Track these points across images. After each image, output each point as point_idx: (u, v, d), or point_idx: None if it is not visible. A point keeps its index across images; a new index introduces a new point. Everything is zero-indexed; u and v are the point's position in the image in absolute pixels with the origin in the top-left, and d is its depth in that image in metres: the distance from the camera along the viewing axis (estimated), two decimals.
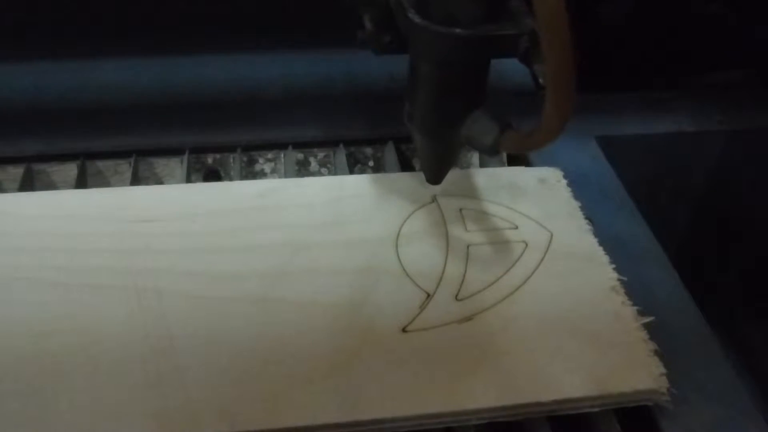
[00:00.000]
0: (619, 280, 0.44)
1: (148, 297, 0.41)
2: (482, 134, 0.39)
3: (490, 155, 0.40)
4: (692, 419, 0.39)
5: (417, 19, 0.37)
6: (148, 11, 0.60)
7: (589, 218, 0.48)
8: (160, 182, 0.55)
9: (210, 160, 0.56)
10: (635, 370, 0.39)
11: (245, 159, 0.55)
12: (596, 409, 0.38)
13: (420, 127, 0.43)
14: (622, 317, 0.42)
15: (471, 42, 0.37)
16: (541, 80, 0.36)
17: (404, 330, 0.40)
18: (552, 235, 0.46)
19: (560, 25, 0.29)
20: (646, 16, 0.71)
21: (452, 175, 0.50)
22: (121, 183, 0.54)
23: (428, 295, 0.42)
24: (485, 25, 0.37)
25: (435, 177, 0.46)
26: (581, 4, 0.32)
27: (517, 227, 0.47)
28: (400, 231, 0.46)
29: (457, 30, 0.36)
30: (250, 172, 0.55)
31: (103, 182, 0.54)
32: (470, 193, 0.49)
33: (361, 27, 0.44)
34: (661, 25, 0.71)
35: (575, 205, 0.49)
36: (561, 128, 0.33)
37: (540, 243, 0.46)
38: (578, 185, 0.51)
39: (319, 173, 0.56)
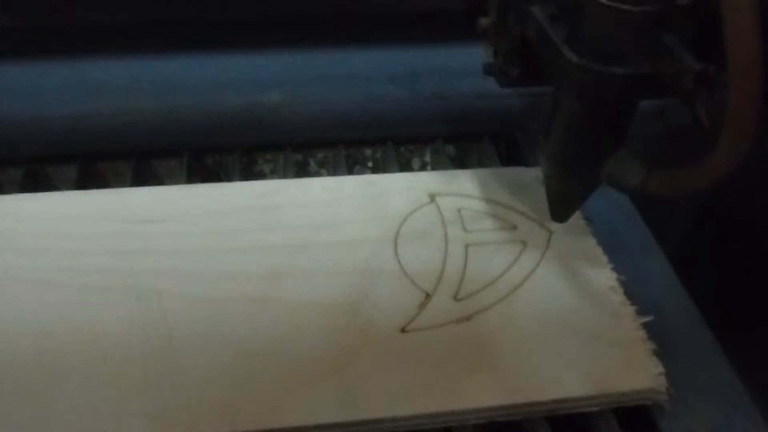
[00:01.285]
0: (617, 279, 0.44)
1: (148, 298, 0.41)
2: (627, 174, 0.37)
3: (634, 195, 0.40)
4: (691, 419, 0.39)
5: (574, 58, 0.35)
6: (148, 11, 0.60)
7: (588, 218, 0.48)
8: (160, 183, 0.55)
9: (210, 162, 0.56)
10: (634, 370, 0.39)
11: (245, 160, 0.55)
12: (595, 409, 0.38)
13: (559, 164, 0.41)
14: (621, 317, 0.42)
15: (630, 81, 0.35)
16: (705, 122, 0.34)
17: (403, 330, 0.40)
18: (551, 235, 0.47)
19: (757, 74, 0.29)
20: None
21: (451, 175, 0.51)
22: (121, 184, 0.54)
23: (427, 295, 0.42)
24: (643, 62, 0.35)
25: (563, 215, 0.44)
26: None
27: (515, 227, 0.47)
28: (399, 231, 0.46)
29: (618, 69, 0.35)
30: (249, 174, 0.56)
31: (104, 183, 0.54)
32: (469, 192, 0.49)
33: (486, 60, 0.44)
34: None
35: None
36: (730, 170, 0.31)
37: (539, 243, 0.46)
38: None
39: (318, 174, 0.56)
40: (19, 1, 0.56)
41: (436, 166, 0.57)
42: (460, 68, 0.60)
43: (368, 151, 0.57)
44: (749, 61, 0.29)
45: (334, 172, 0.56)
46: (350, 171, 0.56)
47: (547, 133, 0.41)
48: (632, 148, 0.38)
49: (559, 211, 0.44)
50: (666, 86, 0.35)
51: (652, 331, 0.41)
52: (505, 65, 0.43)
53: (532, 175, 0.51)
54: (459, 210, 0.48)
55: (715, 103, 0.33)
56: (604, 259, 0.45)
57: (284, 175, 0.55)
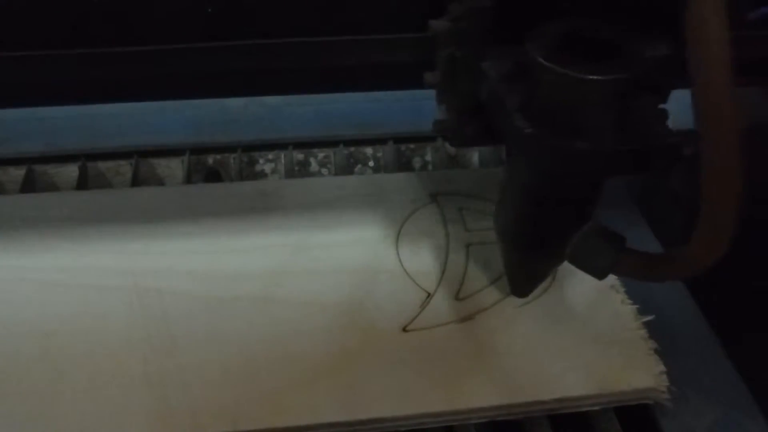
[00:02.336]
0: (618, 278, 0.44)
1: (149, 297, 0.41)
2: (593, 256, 0.33)
3: (600, 278, 0.33)
4: (692, 418, 0.39)
5: (527, 129, 0.30)
6: (149, 10, 0.60)
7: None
8: (161, 183, 0.55)
9: (210, 161, 0.56)
10: (635, 369, 0.39)
11: (245, 159, 0.55)
12: (596, 408, 0.38)
13: (513, 242, 0.36)
14: (622, 316, 0.42)
15: (596, 157, 0.30)
16: (684, 203, 0.31)
17: (405, 329, 0.40)
18: None
19: (735, 169, 0.26)
20: None
21: (452, 175, 0.51)
22: (122, 184, 0.54)
23: (429, 295, 0.42)
24: (612, 135, 0.29)
25: (522, 291, 0.40)
26: None
27: None
28: (400, 231, 0.46)
29: (580, 144, 0.29)
30: (250, 173, 0.55)
31: (105, 183, 0.54)
32: (470, 192, 0.49)
33: (436, 118, 0.39)
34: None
35: None
36: (710, 263, 0.28)
37: None
38: None
39: (319, 173, 0.56)
40: None
41: (437, 166, 0.56)
42: None
43: (369, 151, 0.57)
44: (726, 154, 0.25)
45: (335, 171, 0.56)
46: (351, 170, 0.56)
47: (500, 207, 0.37)
48: (601, 226, 0.33)
49: (518, 288, 0.40)
50: (637, 162, 0.30)
51: (653, 330, 0.41)
52: (457, 124, 0.37)
53: None
54: (460, 209, 0.48)
55: (693, 180, 0.28)
56: None
57: (285, 175, 0.55)
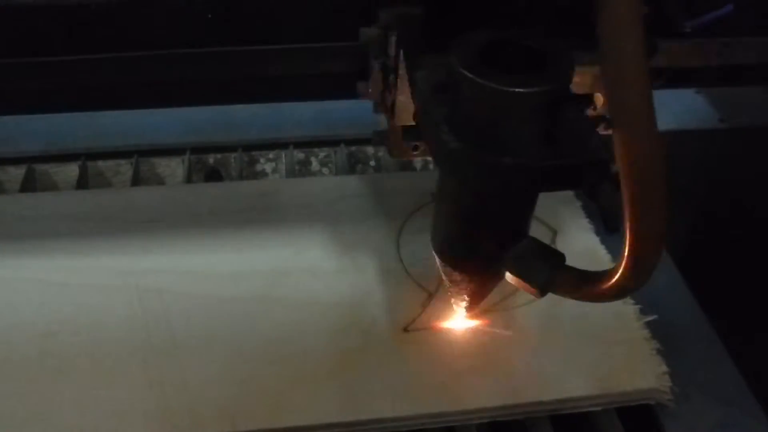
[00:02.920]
0: None
1: (149, 297, 0.41)
2: (529, 273, 0.31)
3: (539, 296, 0.31)
4: (694, 417, 0.39)
5: (452, 143, 0.28)
6: (149, 9, 0.60)
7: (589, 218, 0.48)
8: (161, 182, 0.55)
9: (211, 160, 0.56)
10: (637, 369, 0.39)
11: (246, 159, 0.55)
12: (598, 408, 0.38)
13: (447, 258, 0.35)
14: (624, 316, 0.42)
15: (523, 172, 0.28)
16: (608, 223, 0.30)
17: (406, 329, 0.40)
18: (554, 235, 0.46)
19: (659, 183, 0.25)
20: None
21: None
22: (122, 183, 0.54)
23: (430, 295, 0.42)
24: (540, 150, 0.28)
25: (470, 309, 0.38)
26: None
27: None
28: (401, 230, 0.46)
29: (506, 159, 0.28)
30: (251, 172, 0.55)
31: (105, 183, 0.54)
32: None
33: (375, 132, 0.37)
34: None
35: (577, 204, 0.49)
36: (634, 289, 0.28)
37: None
38: None
39: (320, 173, 0.56)
40: None
41: None
42: None
43: (370, 150, 0.57)
44: (646, 171, 0.24)
45: (336, 170, 0.56)
46: (352, 170, 0.56)
47: (433, 225, 0.35)
48: (536, 242, 0.32)
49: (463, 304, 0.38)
50: (565, 179, 0.29)
51: (655, 330, 0.41)
52: (398, 138, 0.35)
53: None
54: None
55: (619, 202, 0.27)
56: (608, 258, 0.45)
57: (286, 174, 0.55)
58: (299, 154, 0.56)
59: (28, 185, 0.52)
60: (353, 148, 0.57)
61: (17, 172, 0.53)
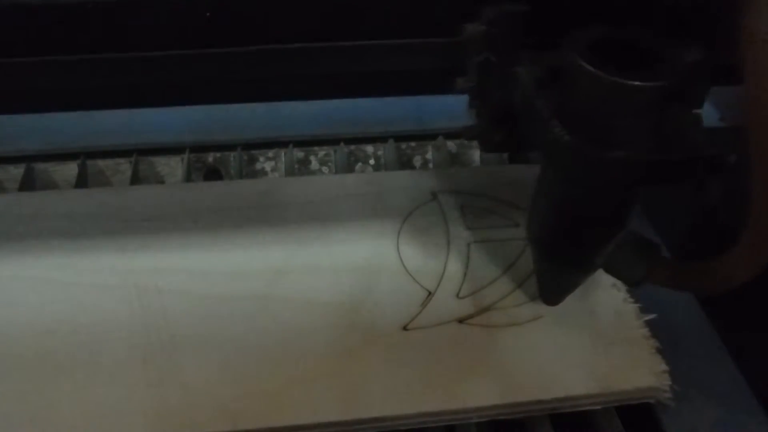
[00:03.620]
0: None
1: (148, 296, 0.41)
2: (627, 265, 0.32)
3: (635, 288, 0.33)
4: (694, 416, 0.39)
5: (564, 137, 0.29)
6: (150, 8, 0.60)
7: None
8: (160, 181, 0.55)
9: (210, 159, 0.56)
10: (637, 368, 0.39)
11: (245, 157, 0.55)
12: (598, 407, 0.38)
13: (544, 250, 0.36)
14: (624, 315, 0.42)
15: (632, 167, 0.29)
16: (721, 216, 0.30)
17: (405, 328, 0.40)
18: None
19: None
20: None
21: (453, 173, 0.51)
22: (121, 182, 0.54)
23: (429, 293, 0.42)
24: (648, 145, 0.29)
25: (554, 300, 0.40)
26: None
27: (518, 225, 0.47)
28: (401, 229, 0.46)
29: (619, 153, 0.28)
30: (250, 171, 0.55)
31: (104, 181, 0.54)
32: (471, 190, 0.49)
33: (467, 123, 0.38)
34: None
35: None
36: (748, 279, 0.27)
37: None
38: None
39: (319, 171, 0.56)
40: None
41: (438, 164, 0.56)
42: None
43: (370, 149, 0.57)
44: None
45: (335, 169, 0.56)
46: (352, 168, 0.56)
47: (531, 215, 0.36)
48: (635, 235, 0.33)
49: (549, 296, 0.40)
50: (674, 173, 0.30)
51: (655, 328, 0.41)
52: (487, 130, 0.37)
53: (535, 173, 0.51)
54: (461, 207, 0.48)
55: (732, 194, 0.29)
56: None
57: (285, 173, 0.55)
58: (299, 153, 0.56)
59: (28, 184, 0.52)
60: (353, 147, 0.57)
61: (16, 171, 0.53)
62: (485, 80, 0.35)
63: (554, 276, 0.37)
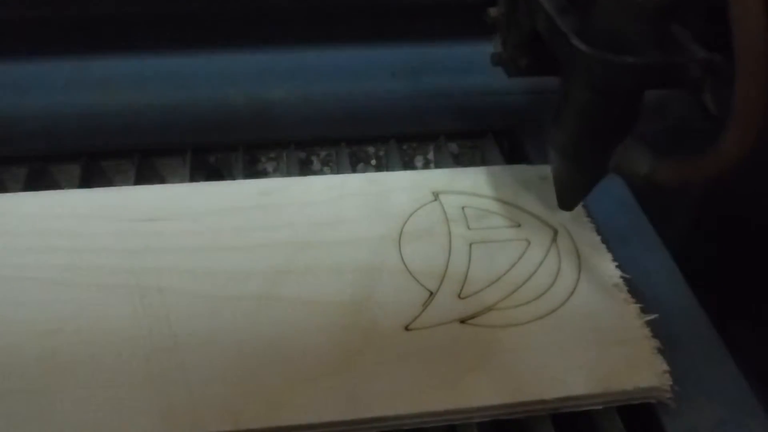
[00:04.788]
0: (622, 277, 0.44)
1: (151, 296, 0.41)
2: (635, 164, 0.37)
3: (642, 184, 0.37)
4: (695, 417, 0.39)
5: (583, 47, 0.35)
6: (152, 9, 0.60)
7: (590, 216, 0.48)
8: (163, 182, 0.55)
9: (212, 160, 0.56)
10: (638, 368, 0.39)
11: (247, 158, 0.55)
12: (599, 407, 0.38)
13: (567, 155, 0.41)
14: (625, 315, 0.42)
15: (641, 70, 0.35)
16: (712, 110, 0.34)
17: (407, 328, 0.40)
18: (555, 233, 0.47)
19: (765, 60, 0.28)
20: None
21: (454, 174, 0.51)
22: (124, 182, 0.54)
23: (431, 294, 0.42)
24: (652, 53, 0.35)
25: (570, 204, 0.45)
26: None
27: (519, 225, 0.47)
28: (402, 229, 0.46)
29: (629, 58, 0.35)
30: (252, 172, 0.55)
31: (107, 182, 0.54)
32: (472, 191, 0.49)
33: (495, 49, 0.45)
34: None
35: (579, 204, 0.49)
36: (740, 158, 0.31)
37: (542, 241, 0.46)
38: None
39: (321, 172, 0.56)
40: None
41: (439, 164, 0.56)
42: (464, 65, 0.60)
43: (371, 149, 0.57)
44: (757, 48, 0.28)
45: (337, 169, 0.56)
46: (353, 169, 0.56)
47: (555, 124, 0.41)
48: (639, 138, 0.38)
49: (567, 200, 0.44)
50: (674, 76, 0.35)
51: (656, 328, 0.41)
52: (513, 56, 0.43)
53: (536, 173, 0.51)
54: (463, 208, 0.48)
55: (722, 91, 0.33)
56: (609, 256, 0.45)
57: (287, 173, 0.55)
58: (300, 153, 0.56)
59: (31, 184, 0.52)
60: (354, 147, 0.57)
61: (20, 171, 0.53)
62: (513, 10, 0.43)
63: (571, 179, 0.43)
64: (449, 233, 0.46)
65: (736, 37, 0.29)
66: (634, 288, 0.43)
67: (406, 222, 0.46)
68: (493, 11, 0.44)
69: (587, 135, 0.40)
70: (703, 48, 0.35)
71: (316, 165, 0.57)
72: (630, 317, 0.42)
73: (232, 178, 0.55)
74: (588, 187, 0.43)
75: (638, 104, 0.39)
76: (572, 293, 0.43)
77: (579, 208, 0.48)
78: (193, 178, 0.54)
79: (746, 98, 0.30)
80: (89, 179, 0.53)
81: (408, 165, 0.57)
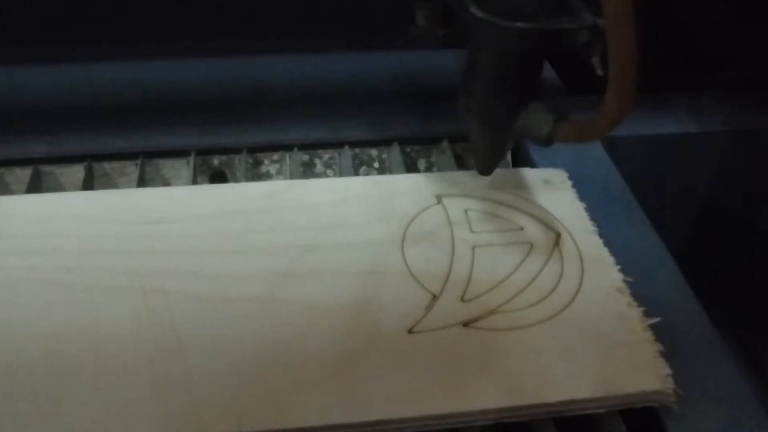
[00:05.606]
0: (624, 281, 0.44)
1: (155, 298, 0.41)
2: (538, 125, 0.40)
3: (545, 146, 0.41)
4: (698, 420, 0.39)
5: (479, 14, 0.38)
6: (154, 12, 0.60)
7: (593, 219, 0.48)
8: (166, 184, 0.55)
9: (216, 162, 0.56)
10: (641, 371, 0.39)
11: (251, 161, 0.56)
12: (602, 410, 0.38)
13: (478, 118, 0.44)
14: (628, 318, 0.42)
15: (532, 35, 0.38)
16: (599, 72, 0.37)
17: (410, 331, 0.40)
18: (558, 237, 0.47)
19: (628, 16, 0.31)
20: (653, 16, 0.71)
21: (457, 177, 0.51)
22: (127, 184, 0.54)
23: (434, 297, 0.42)
24: (545, 18, 0.38)
25: (487, 168, 0.47)
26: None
27: (522, 228, 0.47)
28: (405, 232, 0.46)
29: (519, 24, 0.37)
30: (255, 174, 0.56)
31: (110, 184, 0.54)
32: (475, 194, 0.49)
33: (413, 23, 0.46)
34: (666, 25, 0.71)
35: (580, 206, 0.49)
36: (622, 117, 0.34)
37: (545, 244, 0.46)
38: (583, 186, 0.51)
39: (324, 175, 0.56)
40: None
41: (442, 167, 0.56)
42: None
43: (374, 152, 0.57)
44: (622, 12, 0.31)
45: (340, 172, 0.56)
46: (356, 172, 0.56)
47: (464, 89, 0.43)
48: (542, 101, 0.41)
49: (483, 164, 0.47)
50: (564, 41, 0.38)
51: (659, 332, 0.41)
52: (430, 28, 0.45)
53: (539, 176, 0.51)
54: (465, 211, 0.48)
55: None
56: (611, 260, 0.45)
57: (290, 176, 0.55)
58: (304, 156, 0.56)
59: (34, 186, 0.52)
60: (357, 150, 0.57)
61: (23, 173, 0.53)
62: None
63: (483, 142, 0.45)
64: (452, 236, 0.46)
65: (605, 9, 0.31)
66: (637, 291, 0.43)
67: (409, 225, 0.47)
68: None
69: (491, 98, 0.42)
70: (591, 14, 0.37)
71: (320, 168, 0.57)
72: (633, 321, 0.42)
73: (236, 180, 0.55)
74: (500, 151, 0.46)
75: (539, 69, 0.42)
76: (575, 297, 0.43)
77: (581, 212, 0.48)
78: (197, 180, 0.54)
79: (619, 63, 0.32)
80: (92, 181, 0.53)
81: (411, 168, 0.57)
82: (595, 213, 0.49)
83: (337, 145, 0.57)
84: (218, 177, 0.56)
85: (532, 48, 0.39)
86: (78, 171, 0.54)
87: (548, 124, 0.40)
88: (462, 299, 0.42)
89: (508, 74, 0.41)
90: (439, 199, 0.49)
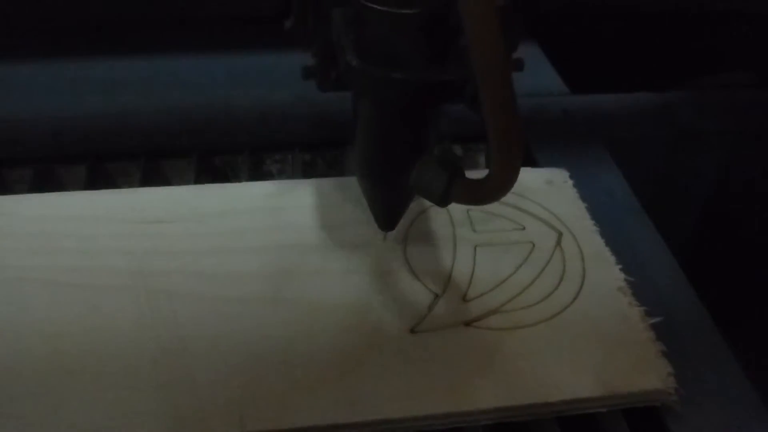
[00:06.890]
0: (626, 280, 0.44)
1: (158, 298, 0.41)
2: (431, 182, 0.35)
3: (441, 206, 0.36)
4: (700, 420, 0.39)
5: (353, 61, 0.34)
6: (156, 11, 0.60)
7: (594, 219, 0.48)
8: (168, 184, 0.55)
9: (218, 162, 0.56)
10: (643, 371, 0.39)
11: (253, 160, 0.56)
12: (604, 410, 0.38)
13: (365, 174, 0.39)
14: (630, 318, 0.42)
15: (411, 86, 0.34)
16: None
17: (412, 331, 0.40)
18: (559, 236, 0.47)
19: (503, 82, 0.28)
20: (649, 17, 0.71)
21: None
22: (130, 184, 0.54)
23: (436, 296, 0.42)
24: (428, 68, 0.34)
25: (386, 224, 0.42)
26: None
27: (524, 228, 0.47)
28: (408, 232, 0.46)
29: (396, 74, 0.33)
30: (257, 174, 0.56)
31: (113, 184, 0.54)
32: None
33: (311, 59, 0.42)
34: (665, 25, 0.72)
35: (582, 206, 0.49)
36: (510, 184, 0.31)
37: (547, 244, 0.46)
38: (585, 186, 0.51)
39: (326, 174, 0.57)
40: None
41: None
42: None
43: None
44: (497, 78, 0.28)
45: (342, 172, 0.56)
46: None
47: (355, 148, 0.40)
48: (440, 154, 0.36)
49: (381, 219, 0.42)
50: (450, 92, 0.34)
51: (660, 331, 0.41)
52: (322, 69, 0.41)
53: (541, 176, 0.51)
54: (467, 211, 0.48)
55: None
56: (613, 259, 0.45)
57: (292, 176, 0.55)
58: (305, 156, 0.56)
59: (37, 186, 0.52)
60: None
61: (26, 173, 0.53)
62: (304, 19, 0.40)
63: (376, 197, 0.40)
64: (454, 236, 0.46)
65: (476, 71, 0.28)
66: (639, 291, 0.44)
67: (411, 224, 0.47)
68: (287, 23, 0.41)
69: (376, 150, 0.38)
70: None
71: (321, 167, 0.57)
72: (634, 320, 0.42)
73: (238, 180, 0.55)
74: (400, 206, 0.41)
75: (429, 121, 0.37)
76: (577, 296, 0.43)
77: (582, 212, 0.49)
78: (199, 180, 0.54)
79: (496, 130, 0.29)
80: (95, 181, 0.53)
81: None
82: (596, 213, 0.49)
83: (340, 144, 0.57)
84: (220, 177, 0.56)
85: (410, 99, 0.35)
86: (80, 171, 0.54)
87: (442, 182, 0.35)
88: (464, 299, 0.42)
89: (393, 127, 0.37)
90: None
